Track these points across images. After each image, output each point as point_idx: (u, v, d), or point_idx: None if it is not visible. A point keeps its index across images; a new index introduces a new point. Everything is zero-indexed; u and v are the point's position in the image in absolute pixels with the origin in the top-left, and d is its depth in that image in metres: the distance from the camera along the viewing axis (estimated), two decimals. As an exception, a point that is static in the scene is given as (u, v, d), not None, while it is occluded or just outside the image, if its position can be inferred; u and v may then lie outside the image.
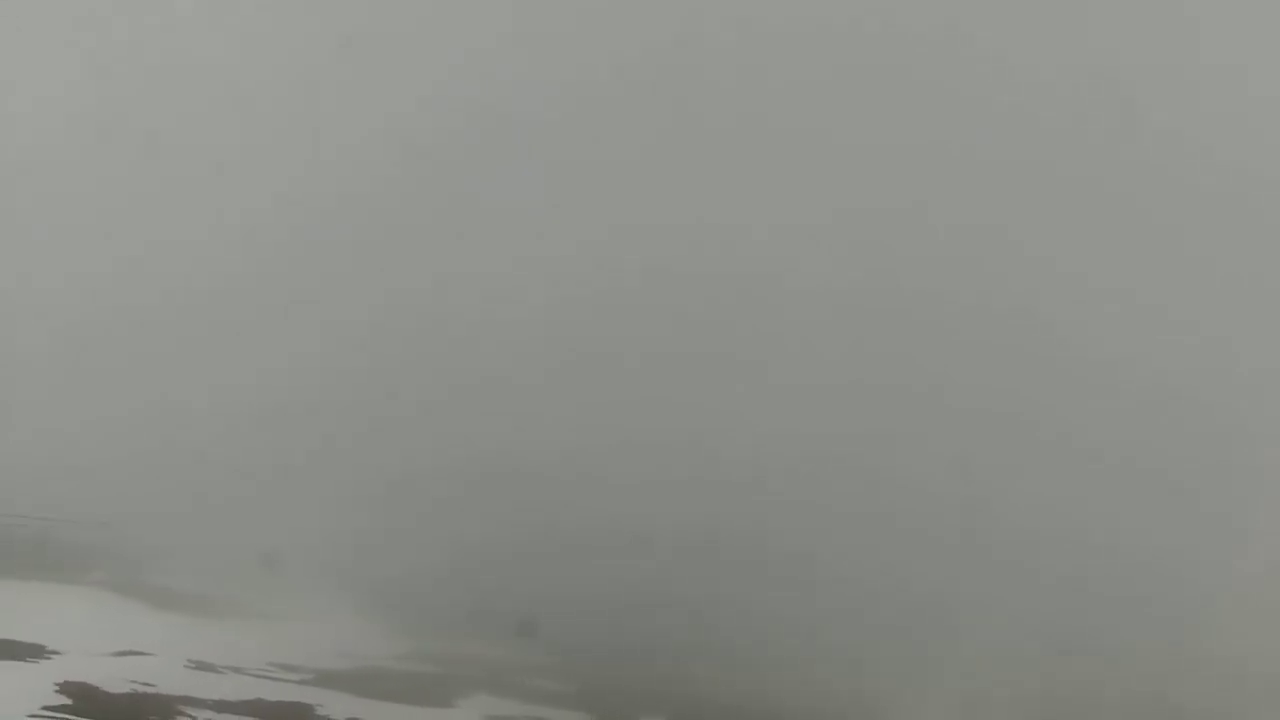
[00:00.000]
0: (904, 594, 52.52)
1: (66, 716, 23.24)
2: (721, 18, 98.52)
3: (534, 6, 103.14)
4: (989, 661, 45.56)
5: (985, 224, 70.13)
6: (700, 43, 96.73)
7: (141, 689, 28.71)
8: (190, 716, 26.33)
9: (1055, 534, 53.73)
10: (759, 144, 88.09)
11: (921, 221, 72.82)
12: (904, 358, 67.04)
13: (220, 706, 28.16)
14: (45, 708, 23.56)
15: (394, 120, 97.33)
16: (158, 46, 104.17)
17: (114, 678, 29.31)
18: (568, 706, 40.30)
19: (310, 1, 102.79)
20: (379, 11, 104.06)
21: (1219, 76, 73.05)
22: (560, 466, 62.85)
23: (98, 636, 36.47)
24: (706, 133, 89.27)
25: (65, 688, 26.23)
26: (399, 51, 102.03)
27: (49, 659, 31.07)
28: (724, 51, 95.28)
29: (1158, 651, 45.59)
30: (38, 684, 26.21)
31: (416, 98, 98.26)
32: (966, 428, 61.73)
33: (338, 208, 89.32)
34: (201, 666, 34.74)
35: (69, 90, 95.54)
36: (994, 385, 63.66)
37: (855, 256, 73.38)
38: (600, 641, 50.24)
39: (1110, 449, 57.95)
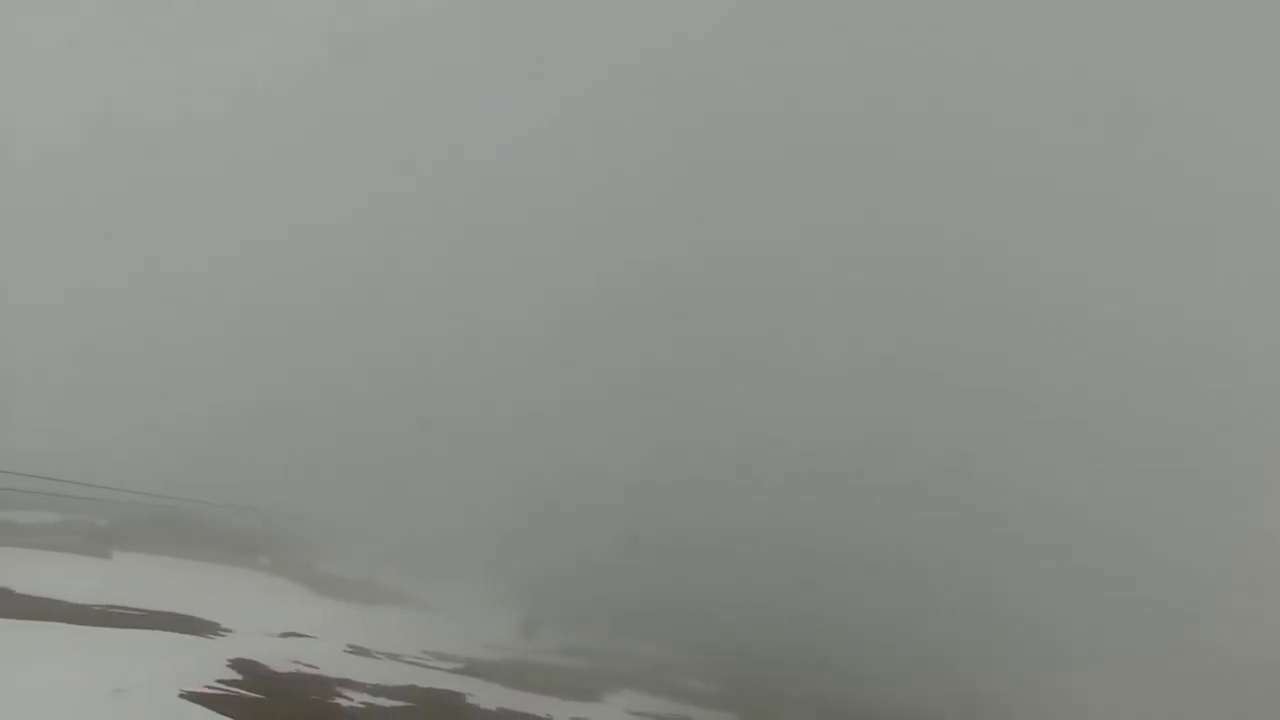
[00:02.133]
0: (1026, 603, 51.12)
1: (237, 691, 24.31)
2: (734, 54, 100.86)
3: (566, 38, 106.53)
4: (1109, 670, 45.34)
5: (1042, 248, 70.62)
6: (716, 77, 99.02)
7: (304, 670, 29.86)
8: (348, 698, 27.18)
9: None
10: (802, 165, 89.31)
11: (977, 238, 73.40)
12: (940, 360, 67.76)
13: (376, 691, 28.97)
14: (219, 681, 24.71)
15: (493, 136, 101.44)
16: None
17: (279, 657, 30.58)
18: (714, 706, 40.13)
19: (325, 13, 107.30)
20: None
21: (1222, 82, 73.87)
22: (704, 466, 63.13)
23: (265, 618, 38.24)
24: (759, 158, 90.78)
25: (236, 664, 27.48)
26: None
27: (222, 636, 32.73)
28: (742, 84, 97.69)
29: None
30: (212, 659, 27.54)
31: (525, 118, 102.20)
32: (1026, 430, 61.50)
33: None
34: (359, 651, 35.99)
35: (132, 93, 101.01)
36: (1037, 387, 64.34)
37: (908, 268, 74.75)
38: (745, 641, 50.02)
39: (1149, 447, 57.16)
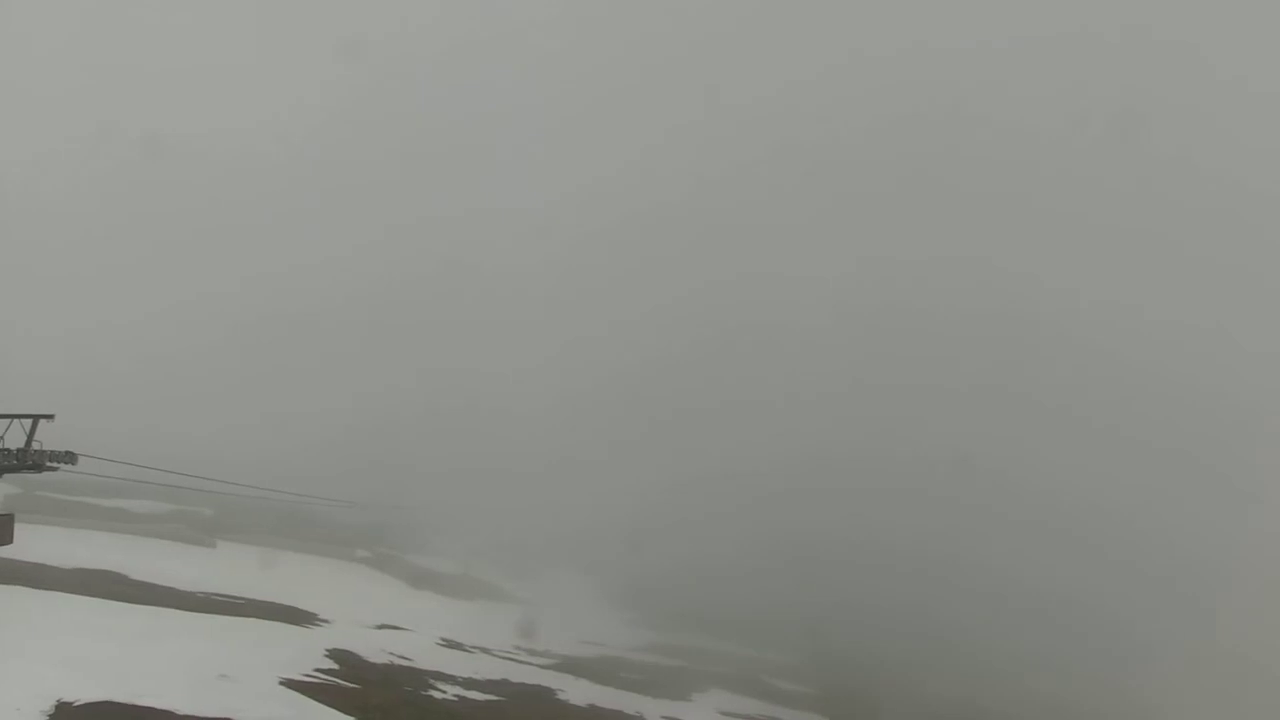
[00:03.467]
0: (1088, 607, 53.04)
1: (334, 680, 24.76)
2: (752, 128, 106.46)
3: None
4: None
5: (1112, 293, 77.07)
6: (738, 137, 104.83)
7: (399, 661, 30.31)
8: (441, 690, 27.49)
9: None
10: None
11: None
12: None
13: (468, 684, 29.24)
14: (316, 670, 25.20)
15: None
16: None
17: (375, 648, 31.11)
18: (803, 708, 39.71)
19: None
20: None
21: (1227, 102, 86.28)
22: (810, 477, 63.57)
23: (362, 609, 39.00)
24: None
25: (333, 654, 28.01)
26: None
27: (320, 626, 33.45)
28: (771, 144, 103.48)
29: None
30: (311, 648, 28.13)
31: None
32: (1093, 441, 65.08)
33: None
34: (452, 645, 36.44)
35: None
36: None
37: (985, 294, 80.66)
38: (851, 649, 49.64)
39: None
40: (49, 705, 17.26)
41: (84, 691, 18.15)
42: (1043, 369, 71.50)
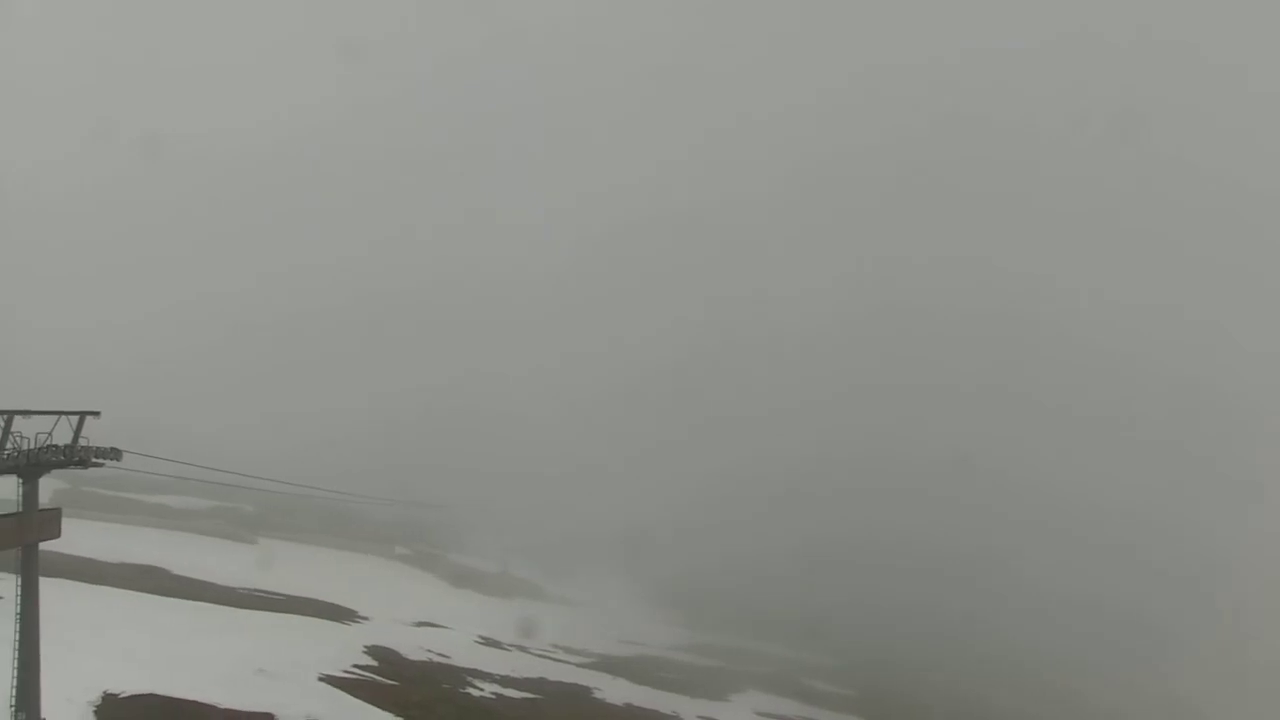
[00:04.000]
0: (1105, 604, 53.88)
1: (372, 676, 24.96)
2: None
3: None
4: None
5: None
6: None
7: (437, 659, 30.48)
8: (479, 688, 27.62)
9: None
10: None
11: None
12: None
13: (506, 681, 29.35)
14: (355, 666, 25.41)
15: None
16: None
17: (413, 646, 31.31)
18: (841, 709, 39.46)
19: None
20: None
21: (1227, 102, 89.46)
22: (830, 480, 63.68)
23: (401, 607, 39.29)
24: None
25: (372, 650, 28.21)
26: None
27: (359, 623, 33.75)
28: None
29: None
30: (350, 644, 28.36)
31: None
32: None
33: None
34: (490, 643, 36.58)
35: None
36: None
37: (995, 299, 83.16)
38: (875, 649, 49.37)
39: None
40: (96, 696, 17.57)
41: (129, 684, 18.44)
42: (1043, 369, 73.29)
